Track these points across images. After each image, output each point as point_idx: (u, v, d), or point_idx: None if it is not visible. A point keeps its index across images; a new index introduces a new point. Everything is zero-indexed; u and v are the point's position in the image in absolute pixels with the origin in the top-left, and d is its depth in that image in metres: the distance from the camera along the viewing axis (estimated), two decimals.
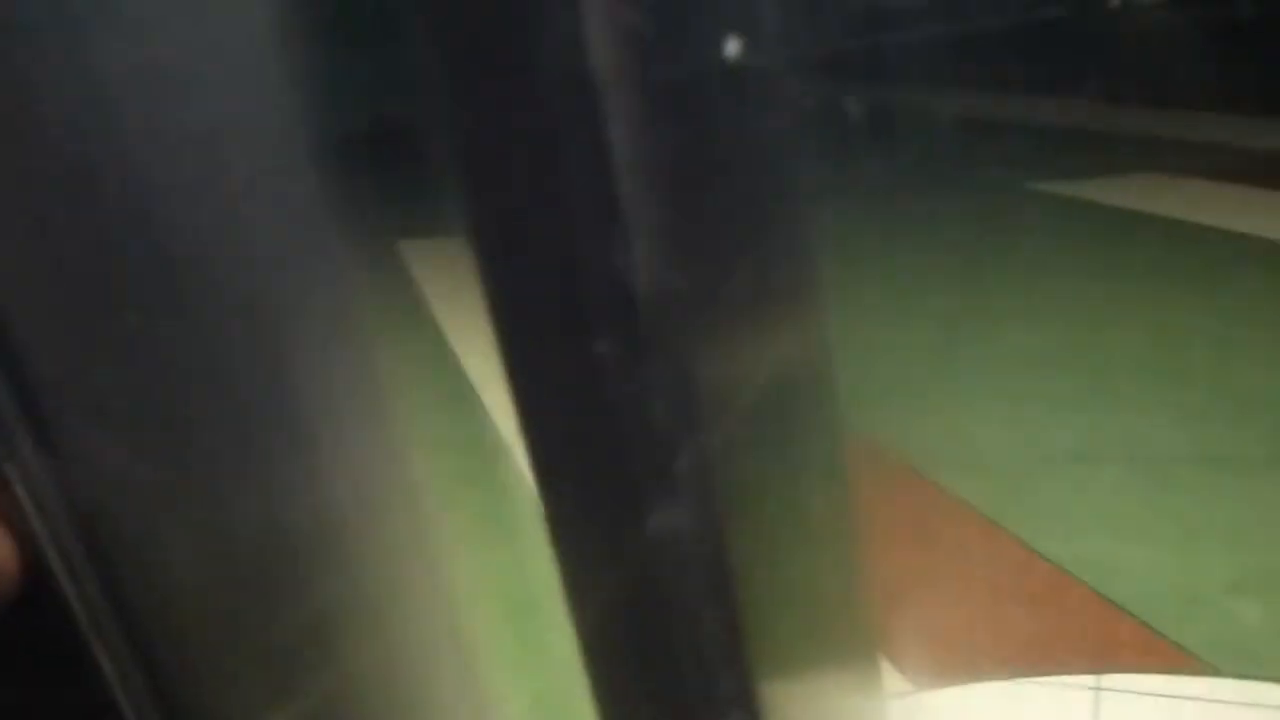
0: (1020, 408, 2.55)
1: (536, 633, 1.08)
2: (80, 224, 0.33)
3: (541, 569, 0.35)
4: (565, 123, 0.29)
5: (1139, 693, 1.58)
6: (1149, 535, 1.98)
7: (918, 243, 3.88)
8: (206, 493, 0.37)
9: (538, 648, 0.97)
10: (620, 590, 0.35)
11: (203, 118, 0.35)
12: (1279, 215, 3.74)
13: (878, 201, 4.29)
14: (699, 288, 0.32)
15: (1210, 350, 2.75)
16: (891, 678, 1.72)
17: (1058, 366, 2.75)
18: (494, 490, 1.51)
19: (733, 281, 0.36)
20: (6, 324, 0.33)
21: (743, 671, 0.37)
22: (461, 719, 0.49)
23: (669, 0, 0.31)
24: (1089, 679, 1.64)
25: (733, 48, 0.34)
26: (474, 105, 0.31)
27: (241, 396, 0.37)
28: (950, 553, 2.04)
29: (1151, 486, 2.15)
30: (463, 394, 2.52)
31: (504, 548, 1.09)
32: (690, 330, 0.32)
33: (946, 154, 5.20)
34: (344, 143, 0.41)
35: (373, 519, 0.43)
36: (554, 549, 0.35)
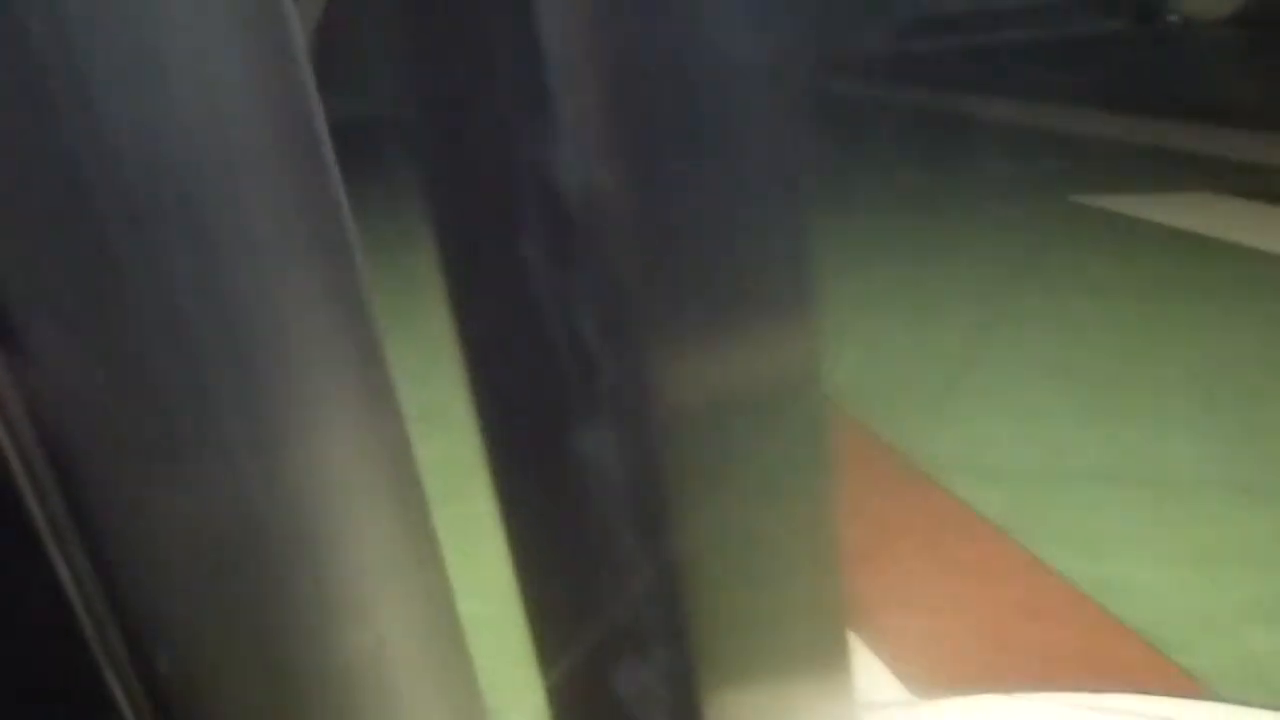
0: (1045, 422, 2.52)
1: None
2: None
3: None
4: (497, 13, 0.29)
5: (1140, 715, 1.55)
6: (1166, 558, 1.95)
7: (959, 251, 3.85)
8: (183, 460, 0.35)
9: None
10: (544, 502, 0.35)
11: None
12: None
13: (921, 206, 4.26)
14: (639, 198, 0.31)
15: (1247, 376, 2.70)
16: (890, 685, 1.71)
17: (1088, 383, 2.71)
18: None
19: (683, 201, 0.34)
20: None
21: (672, 610, 0.37)
22: (449, 708, 0.49)
23: None
24: (1090, 697, 1.62)
25: None
26: None
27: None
28: (959, 563, 2.02)
29: (1173, 509, 2.12)
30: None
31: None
32: (626, 239, 0.31)
33: (990, 162, 5.15)
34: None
35: (360, 493, 0.41)
36: (483, 450, 0.34)
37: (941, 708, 1.65)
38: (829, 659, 0.51)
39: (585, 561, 0.36)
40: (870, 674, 1.74)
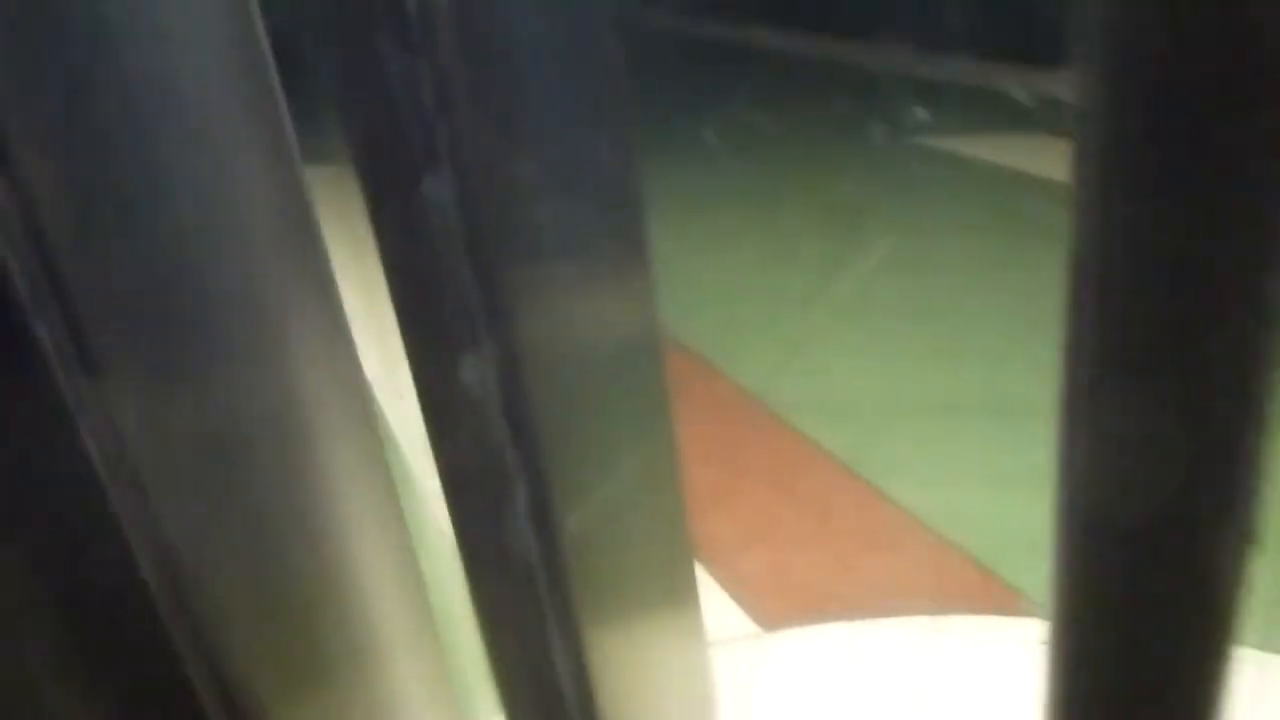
0: (888, 359, 2.59)
1: None
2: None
3: None
4: None
5: (977, 633, 1.62)
6: (1000, 483, 2.03)
7: (802, 193, 3.90)
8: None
9: None
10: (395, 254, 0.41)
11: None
12: None
13: (762, 148, 4.31)
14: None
15: None
16: (739, 620, 1.75)
17: (929, 320, 2.79)
18: None
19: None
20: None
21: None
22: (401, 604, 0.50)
23: None
24: (929, 620, 1.68)
25: None
26: None
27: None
28: (805, 499, 2.07)
29: (1007, 438, 2.20)
30: None
31: None
32: (454, 37, 0.38)
33: (831, 104, 5.23)
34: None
35: (321, 416, 0.46)
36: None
37: (789, 639, 1.69)
38: (678, 596, 0.52)
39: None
40: (720, 610, 1.77)
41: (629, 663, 0.48)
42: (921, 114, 5.05)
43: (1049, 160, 4.12)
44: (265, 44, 0.44)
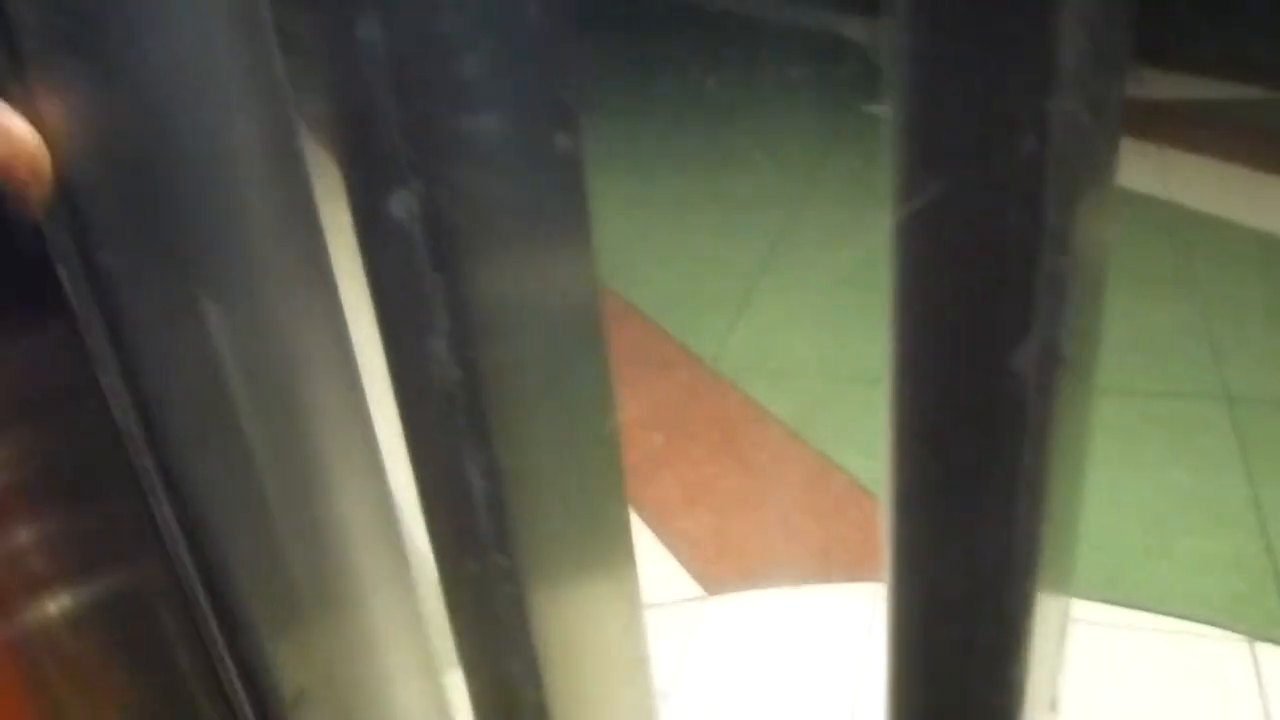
0: (835, 327, 2.60)
1: None
2: None
3: None
4: None
5: None
6: None
7: (751, 158, 3.90)
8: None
9: None
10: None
11: None
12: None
13: (713, 113, 4.29)
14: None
15: None
16: (684, 583, 1.75)
17: (876, 289, 2.80)
18: None
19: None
20: None
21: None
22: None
23: None
24: (873, 586, 1.70)
25: None
26: None
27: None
28: (752, 463, 2.08)
29: None
30: None
31: None
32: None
33: (783, 69, 5.22)
34: None
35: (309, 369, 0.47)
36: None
37: (733, 602, 1.70)
38: (614, 560, 0.51)
39: None
40: (665, 572, 1.78)
41: (543, 489, 0.49)
42: (872, 80, 5.03)
43: None
44: None
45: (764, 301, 2.74)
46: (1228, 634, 1.54)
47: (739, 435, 2.16)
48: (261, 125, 0.41)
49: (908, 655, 0.48)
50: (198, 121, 0.40)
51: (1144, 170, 3.22)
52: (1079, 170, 0.34)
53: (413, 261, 0.40)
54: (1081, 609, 1.57)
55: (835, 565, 1.76)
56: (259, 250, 0.42)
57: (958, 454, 0.41)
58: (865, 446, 2.06)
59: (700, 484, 2.00)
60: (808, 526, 1.87)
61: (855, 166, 3.80)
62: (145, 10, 0.37)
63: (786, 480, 2.00)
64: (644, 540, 1.85)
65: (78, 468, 0.46)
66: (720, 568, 1.79)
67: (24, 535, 0.46)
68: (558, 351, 0.44)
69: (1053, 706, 0.55)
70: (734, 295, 2.76)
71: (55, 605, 0.47)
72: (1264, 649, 1.50)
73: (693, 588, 1.75)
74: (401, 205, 0.40)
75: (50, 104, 0.38)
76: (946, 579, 0.43)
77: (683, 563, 1.80)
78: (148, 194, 0.40)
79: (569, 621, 0.49)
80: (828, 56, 5.65)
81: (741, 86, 4.84)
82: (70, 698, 0.48)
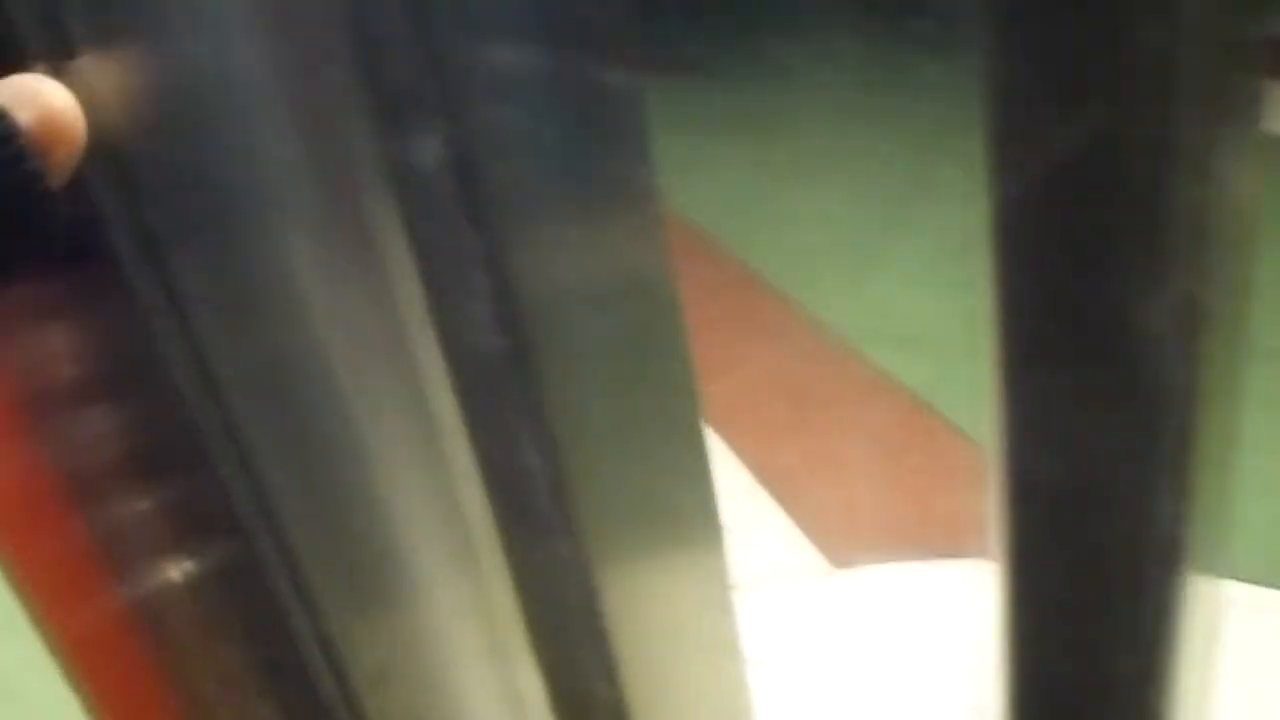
0: (963, 291, 2.50)
1: None
2: None
3: None
4: None
5: None
6: None
7: (874, 118, 3.79)
8: None
9: None
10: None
11: None
12: None
13: (839, 71, 4.19)
14: None
15: None
16: (810, 555, 1.71)
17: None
18: None
19: None
20: None
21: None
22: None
23: None
24: None
25: None
26: None
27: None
28: (880, 432, 2.01)
29: None
30: None
31: None
32: None
33: (910, 22, 5.07)
34: None
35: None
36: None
37: (860, 575, 1.65)
38: (696, 541, 0.48)
39: None
40: (790, 544, 1.74)
41: (611, 469, 0.45)
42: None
43: None
44: None
45: (890, 265, 2.65)
46: None
47: (866, 404, 2.10)
48: (309, 81, 0.39)
49: (1032, 652, 0.43)
50: (244, 83, 0.38)
51: None
52: (1216, 73, 0.28)
53: (446, 216, 0.37)
54: (1240, 592, 1.48)
55: (967, 540, 1.69)
56: (312, 218, 0.40)
57: (1079, 424, 0.35)
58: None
59: (826, 454, 1.94)
60: (938, 499, 1.80)
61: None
62: None
63: (916, 450, 1.93)
64: (767, 512, 1.80)
65: (174, 443, 0.44)
66: (847, 541, 1.74)
67: (142, 503, 0.45)
68: (620, 316, 0.41)
69: (1205, 694, 0.50)
70: (859, 259, 2.68)
71: (174, 572, 0.47)
72: None
73: (819, 561, 1.70)
74: (428, 153, 0.36)
75: (94, 71, 0.36)
76: (1070, 570, 0.38)
77: (808, 535, 1.76)
78: (199, 159, 0.38)
79: (646, 609, 0.46)
80: (958, 14, 5.44)
81: (868, 43, 4.71)
82: (178, 667, 0.48)
